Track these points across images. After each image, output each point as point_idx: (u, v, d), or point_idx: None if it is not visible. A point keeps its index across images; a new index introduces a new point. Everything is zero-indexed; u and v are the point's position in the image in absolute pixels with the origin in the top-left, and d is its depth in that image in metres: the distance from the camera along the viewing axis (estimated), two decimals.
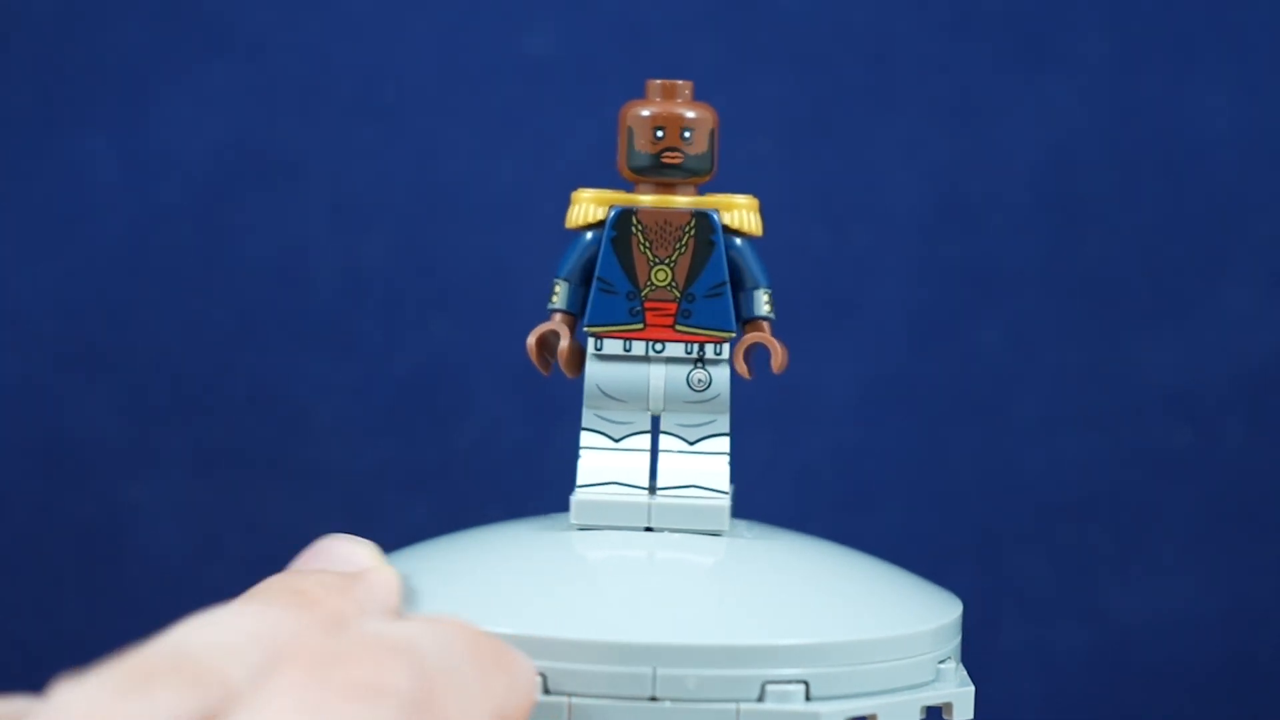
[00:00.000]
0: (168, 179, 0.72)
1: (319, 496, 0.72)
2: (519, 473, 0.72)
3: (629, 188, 0.43)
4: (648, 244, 0.42)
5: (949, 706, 0.40)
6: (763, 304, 0.43)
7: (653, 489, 0.42)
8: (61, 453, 0.72)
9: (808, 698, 0.38)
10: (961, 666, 0.41)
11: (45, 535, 0.72)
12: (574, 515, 0.42)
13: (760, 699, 0.37)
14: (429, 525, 0.68)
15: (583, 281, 0.43)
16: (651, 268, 0.42)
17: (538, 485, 0.71)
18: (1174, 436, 0.73)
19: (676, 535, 0.42)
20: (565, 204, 0.43)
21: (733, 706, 0.37)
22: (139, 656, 0.30)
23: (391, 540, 0.45)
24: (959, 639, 0.41)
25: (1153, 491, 0.73)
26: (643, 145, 0.42)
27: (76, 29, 0.72)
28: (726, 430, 0.43)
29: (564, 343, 0.43)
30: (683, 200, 0.43)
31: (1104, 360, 0.73)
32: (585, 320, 0.43)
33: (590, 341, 0.43)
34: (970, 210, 0.73)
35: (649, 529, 0.42)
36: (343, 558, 0.38)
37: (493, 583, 0.40)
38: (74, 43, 0.72)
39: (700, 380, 0.43)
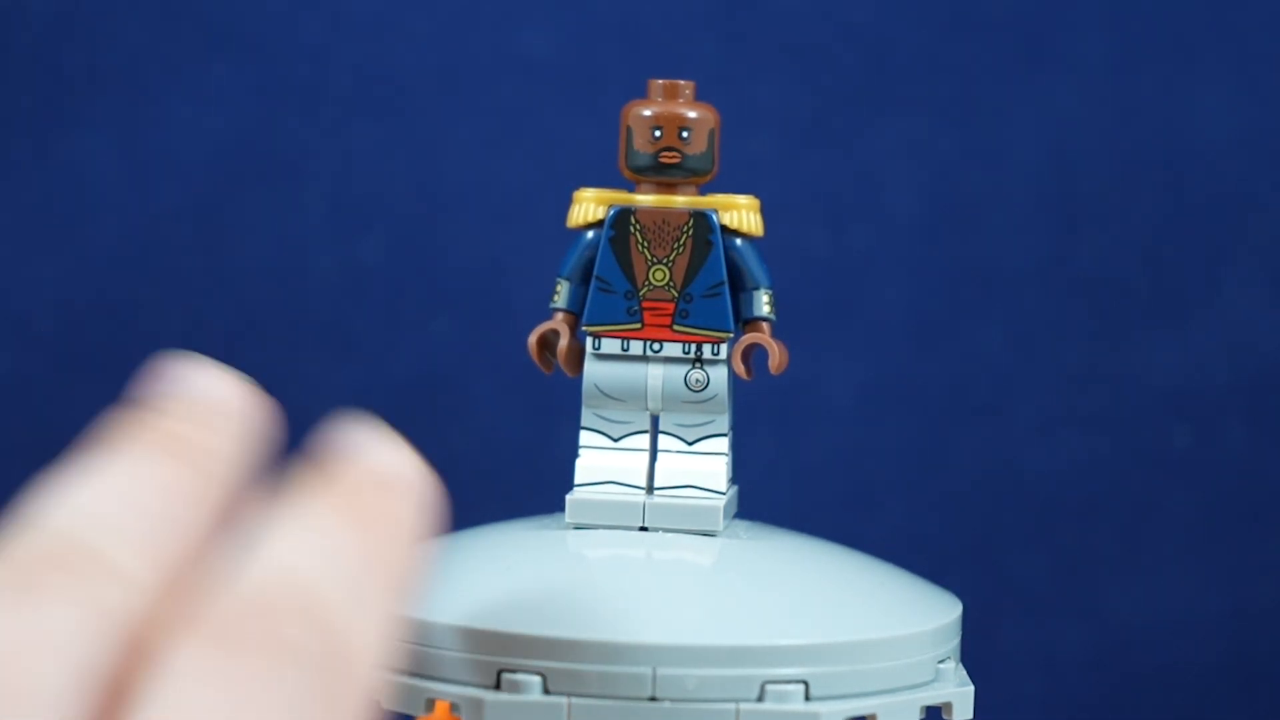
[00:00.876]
0: (168, 179, 0.72)
1: None
2: (519, 473, 0.72)
3: (630, 187, 0.43)
4: (646, 244, 0.42)
5: (948, 706, 0.40)
6: (763, 304, 0.43)
7: (650, 489, 0.42)
8: (61, 453, 0.72)
9: (807, 698, 0.38)
10: (961, 666, 0.41)
11: None
12: (569, 514, 0.42)
13: (760, 699, 0.37)
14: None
15: (583, 281, 0.43)
16: (650, 267, 0.42)
17: (538, 485, 0.71)
18: (1174, 436, 0.73)
19: (677, 535, 0.42)
20: (565, 204, 0.43)
21: (732, 706, 0.37)
22: (16, 548, 0.28)
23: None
24: (959, 639, 0.41)
25: (1153, 491, 0.73)
26: (641, 145, 0.42)
27: (76, 29, 0.72)
28: (725, 430, 0.43)
29: (564, 342, 0.43)
30: (681, 200, 0.43)
31: (1104, 360, 0.73)
32: (583, 320, 0.43)
33: (589, 341, 0.43)
34: (970, 210, 0.73)
35: (643, 528, 0.42)
36: (197, 387, 0.34)
37: (493, 583, 0.40)
38: (74, 43, 0.72)
39: (698, 380, 0.43)
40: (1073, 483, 0.73)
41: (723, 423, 0.43)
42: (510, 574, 0.40)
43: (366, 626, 0.29)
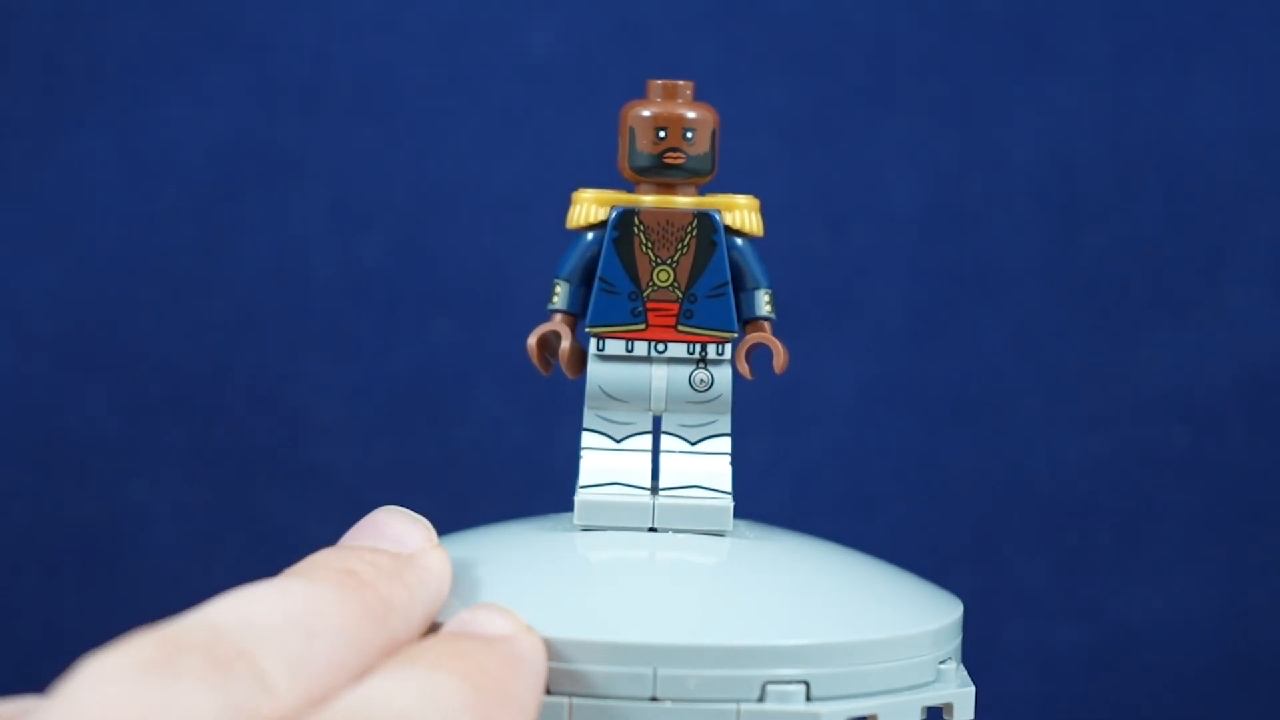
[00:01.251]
0: (168, 179, 0.72)
1: (319, 496, 0.72)
2: (519, 473, 0.72)
3: (629, 188, 0.43)
4: (650, 244, 0.42)
5: (949, 707, 0.40)
6: (764, 304, 0.43)
7: (655, 489, 0.42)
8: (61, 452, 0.72)
9: (808, 698, 0.38)
10: (962, 667, 0.41)
11: (45, 535, 0.72)
12: (578, 516, 0.42)
13: (761, 699, 0.37)
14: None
15: (583, 282, 0.43)
16: (654, 268, 0.42)
17: (538, 485, 0.71)
18: (1174, 436, 0.73)
19: (677, 535, 0.42)
20: (565, 204, 0.43)
21: (733, 707, 0.37)
22: (170, 630, 0.29)
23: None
24: (959, 639, 0.41)
25: (1153, 491, 0.73)
26: (644, 145, 0.42)
27: (76, 29, 0.72)
28: (728, 430, 0.43)
29: (565, 343, 0.43)
30: (684, 200, 0.43)
31: (1104, 360, 0.73)
32: (587, 321, 0.43)
33: (592, 342, 0.43)
34: (970, 210, 0.73)
35: (653, 529, 0.42)
36: (396, 536, 0.36)
37: (493, 583, 0.40)
38: (74, 43, 0.72)
39: (702, 381, 0.43)
40: (1073, 483, 0.73)
41: (725, 423, 0.43)
42: (510, 574, 0.40)
43: None
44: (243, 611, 0.30)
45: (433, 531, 0.37)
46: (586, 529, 0.42)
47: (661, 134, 0.42)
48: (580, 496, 0.42)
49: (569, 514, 0.43)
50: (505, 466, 0.72)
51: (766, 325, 0.43)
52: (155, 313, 0.72)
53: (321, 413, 0.72)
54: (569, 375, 0.43)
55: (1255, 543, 0.73)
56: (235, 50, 0.72)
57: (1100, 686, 0.73)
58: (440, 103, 0.72)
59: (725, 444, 0.43)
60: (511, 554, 0.42)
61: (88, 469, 0.72)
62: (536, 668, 0.35)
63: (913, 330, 0.73)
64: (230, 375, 0.72)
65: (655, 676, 0.37)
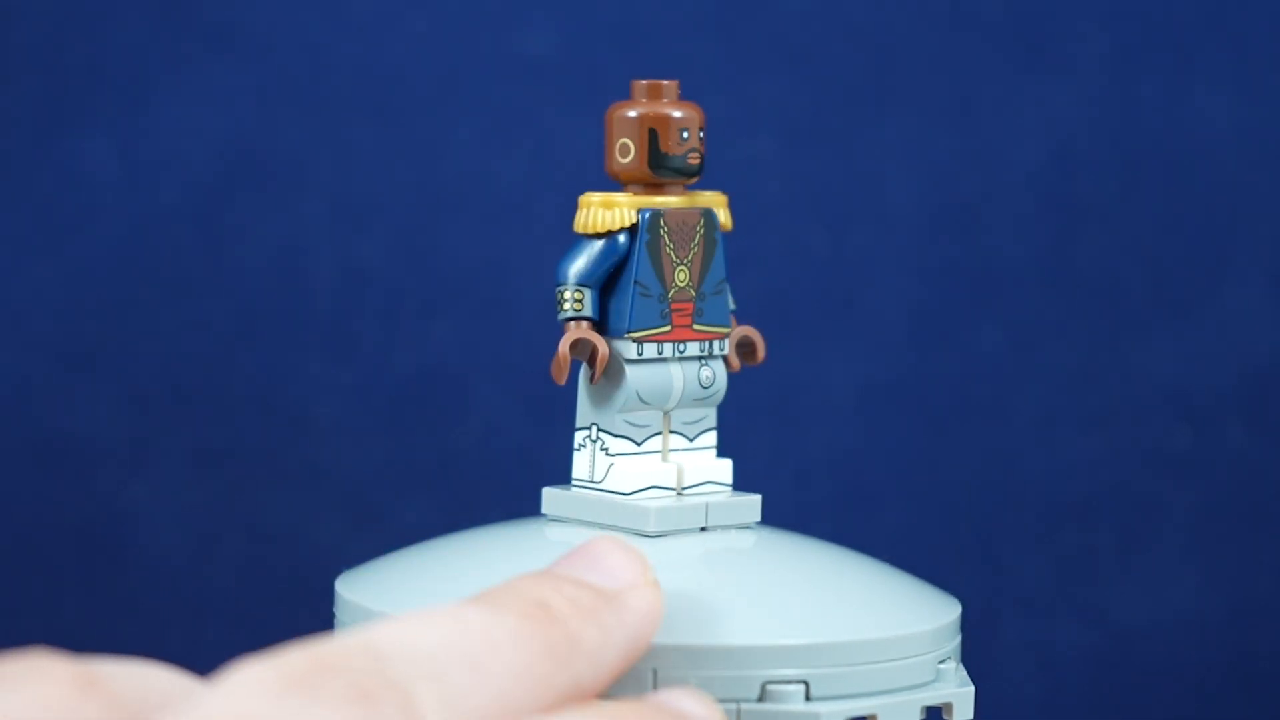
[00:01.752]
0: (168, 179, 0.72)
1: (319, 496, 0.72)
2: (519, 473, 0.72)
3: (617, 189, 0.43)
4: (672, 245, 0.42)
5: (949, 707, 0.40)
6: (730, 298, 0.43)
7: (679, 489, 0.42)
8: (61, 453, 0.72)
9: (808, 698, 0.38)
10: (961, 667, 0.41)
11: (45, 535, 0.72)
12: (654, 524, 0.41)
13: (760, 699, 0.37)
14: (429, 525, 0.68)
15: (599, 287, 0.43)
16: (674, 269, 0.42)
17: (538, 485, 0.71)
18: (1174, 436, 0.73)
19: (677, 536, 0.42)
20: (565, 204, 0.43)
21: (733, 707, 0.37)
22: (325, 649, 0.27)
23: (391, 540, 0.45)
24: (959, 639, 0.41)
25: (1153, 492, 0.73)
26: (670, 147, 0.42)
27: (76, 29, 0.72)
28: (715, 424, 0.43)
29: (604, 350, 0.42)
30: (686, 200, 0.43)
31: (1104, 360, 0.73)
32: (629, 325, 0.42)
33: (630, 347, 0.42)
34: (970, 210, 0.73)
35: (704, 529, 0.42)
36: (606, 569, 0.34)
37: (493, 583, 0.40)
38: (74, 43, 0.72)
39: (708, 377, 0.43)
40: (1073, 483, 0.73)
41: (713, 416, 0.43)
42: (510, 575, 0.40)
43: None
44: (408, 638, 0.28)
45: (649, 567, 0.35)
46: (659, 535, 0.41)
47: (685, 134, 0.42)
48: (647, 504, 0.41)
49: (554, 520, 0.43)
50: (505, 466, 0.72)
51: (734, 318, 0.43)
52: (155, 313, 0.72)
53: (321, 413, 0.72)
54: (592, 383, 0.43)
55: (1255, 543, 0.73)
56: (235, 50, 0.72)
57: (1100, 686, 0.73)
58: (440, 103, 0.72)
59: (714, 437, 0.43)
60: (510, 553, 0.42)
61: (88, 469, 0.72)
62: (642, 632, 0.33)
63: (913, 330, 0.73)
64: (230, 375, 0.72)
65: (655, 676, 0.37)
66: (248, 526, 0.72)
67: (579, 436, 0.43)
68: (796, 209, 0.72)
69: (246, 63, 0.72)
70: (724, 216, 0.43)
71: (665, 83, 0.43)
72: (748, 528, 0.43)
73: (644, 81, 0.43)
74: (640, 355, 0.42)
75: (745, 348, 0.44)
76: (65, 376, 0.72)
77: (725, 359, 0.43)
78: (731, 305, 0.43)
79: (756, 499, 0.43)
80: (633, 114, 0.42)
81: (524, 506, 0.46)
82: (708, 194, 0.43)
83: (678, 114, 0.42)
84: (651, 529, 0.41)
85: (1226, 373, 0.73)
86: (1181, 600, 0.73)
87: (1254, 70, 0.72)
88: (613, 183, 0.43)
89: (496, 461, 0.73)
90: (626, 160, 0.43)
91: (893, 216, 0.73)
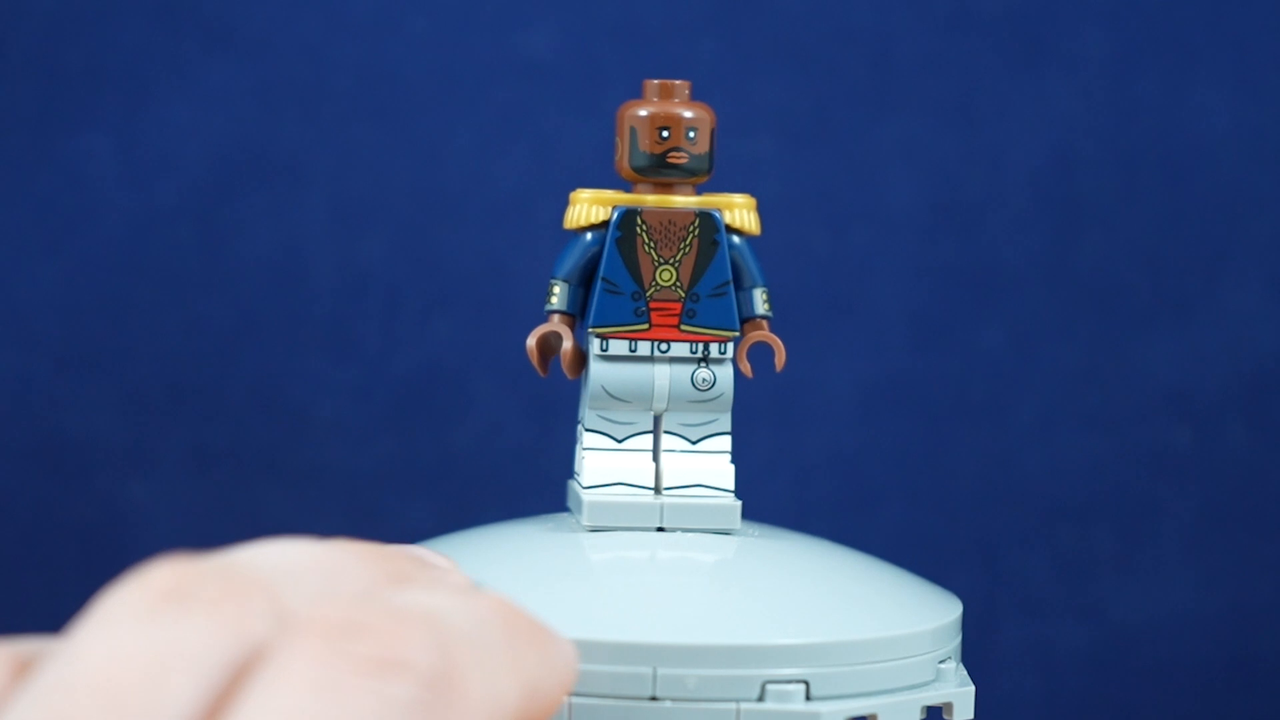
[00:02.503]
0: (168, 179, 0.72)
1: (319, 496, 0.72)
2: (519, 473, 0.72)
3: (627, 187, 0.43)
4: (652, 244, 0.42)
5: (949, 706, 0.40)
6: (761, 302, 0.43)
7: (658, 489, 0.42)
8: (61, 453, 0.72)
9: (808, 697, 0.38)
10: (961, 666, 0.41)
11: (45, 535, 0.72)
12: (587, 517, 0.42)
13: (760, 699, 0.37)
14: (429, 525, 0.68)
15: (581, 282, 0.43)
16: (656, 268, 0.42)
17: (538, 485, 0.71)
18: (1174, 436, 0.73)
19: (676, 535, 0.42)
20: (565, 204, 0.43)
21: (733, 706, 0.37)
22: (193, 564, 0.28)
23: (391, 540, 0.45)
24: (959, 639, 0.41)
25: (1153, 491, 0.73)
26: (646, 145, 0.42)
27: (76, 29, 0.72)
28: (728, 429, 0.43)
29: (568, 344, 0.42)
30: (686, 200, 0.43)
31: (1104, 360, 0.73)
32: (590, 321, 0.43)
33: (595, 343, 0.43)
34: (970, 210, 0.73)
35: (661, 529, 0.42)
36: (418, 554, 0.35)
37: (492, 583, 0.40)
38: (74, 43, 0.72)
39: (705, 380, 0.43)
40: (1073, 483, 0.73)
41: (725, 421, 0.43)
42: (511, 574, 0.40)
43: (488, 677, 0.28)
44: (267, 553, 0.30)
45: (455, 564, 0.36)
46: (595, 529, 0.42)
47: (664, 134, 0.42)
48: (588, 497, 0.42)
49: (566, 514, 0.43)
50: (505, 466, 0.72)
51: (764, 323, 0.43)
52: (155, 313, 0.72)
53: (321, 413, 0.72)
54: (568, 376, 0.43)
55: (1255, 543, 0.73)
56: (235, 50, 0.72)
57: (1100, 686, 0.73)
58: (440, 103, 0.72)
59: (726, 442, 0.43)
60: (509, 553, 0.42)
61: (88, 469, 0.72)
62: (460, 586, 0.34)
63: (913, 330, 0.73)
64: (230, 375, 0.72)
65: (655, 676, 0.37)
66: (248, 526, 0.72)
67: (577, 429, 0.43)
68: (796, 209, 0.72)
69: (246, 63, 0.72)
70: (743, 219, 0.43)
71: (672, 83, 0.43)
72: (726, 532, 0.42)
73: (654, 81, 0.43)
74: (605, 351, 0.42)
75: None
76: (65, 376, 0.72)
77: (736, 363, 0.43)
78: (760, 310, 0.43)
79: (734, 504, 0.42)
80: (622, 113, 0.43)
81: (524, 506, 0.46)
82: (722, 196, 0.43)
83: (649, 113, 0.42)
84: (584, 521, 0.42)
85: (1226, 373, 0.73)
86: (1181, 600, 0.73)
87: (1254, 70, 0.72)
88: (624, 181, 0.43)
89: (496, 461, 0.72)
90: (618, 158, 0.43)
91: (893, 216, 0.73)
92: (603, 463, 0.42)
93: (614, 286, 0.42)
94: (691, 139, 0.42)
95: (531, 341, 0.43)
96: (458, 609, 0.29)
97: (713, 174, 0.43)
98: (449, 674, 0.28)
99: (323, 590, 0.29)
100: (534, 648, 0.31)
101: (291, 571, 0.29)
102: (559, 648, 0.32)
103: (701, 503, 0.42)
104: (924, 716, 0.39)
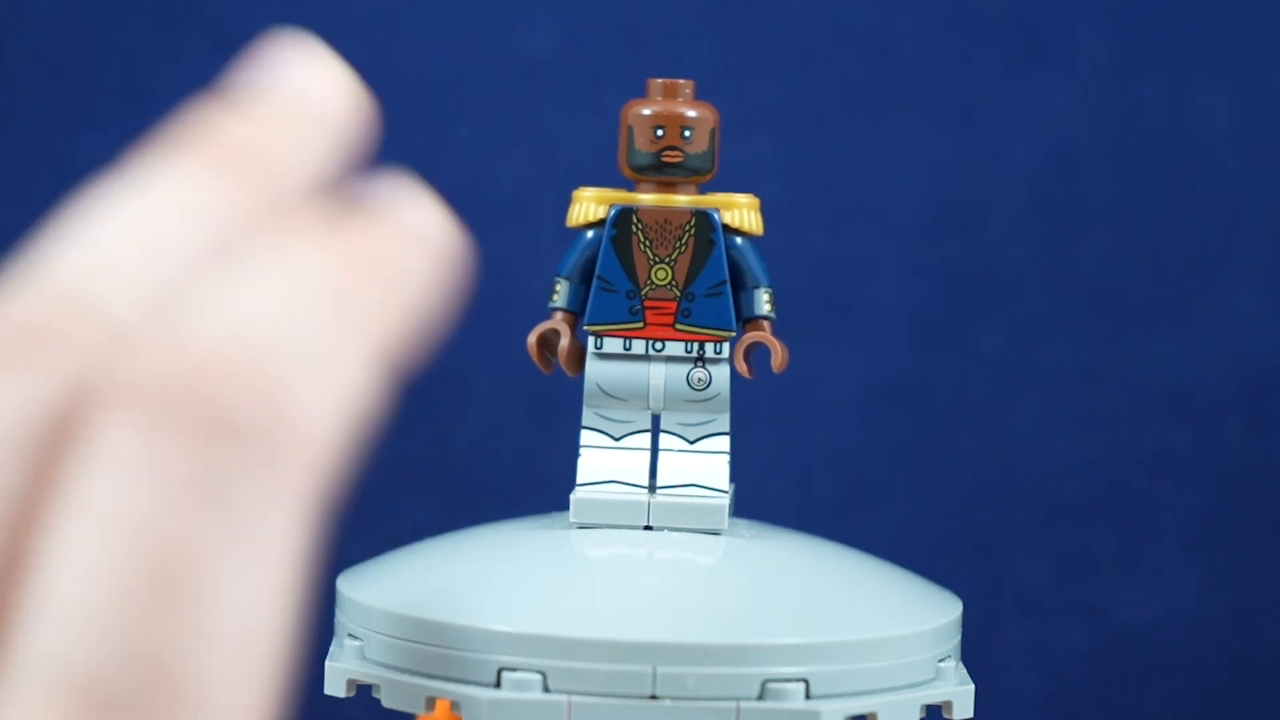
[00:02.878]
0: None
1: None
2: (519, 473, 0.72)
3: (630, 187, 0.43)
4: (648, 243, 0.42)
5: (949, 705, 0.40)
6: (763, 303, 0.43)
7: (653, 488, 0.42)
8: None
9: (808, 696, 0.38)
10: (961, 665, 0.41)
11: None
12: (573, 513, 0.42)
13: (760, 697, 0.37)
14: (429, 525, 0.68)
15: (583, 280, 0.43)
16: (651, 266, 0.42)
17: (538, 485, 0.71)
18: (1174, 436, 0.73)
19: (677, 534, 0.42)
20: (566, 204, 0.43)
21: (733, 705, 0.37)
22: (9, 301, 0.25)
23: (391, 540, 0.45)
24: (959, 638, 0.41)
25: (1153, 491, 0.73)
26: (643, 144, 0.42)
27: (76, 29, 0.72)
28: (727, 429, 0.43)
29: (564, 341, 0.42)
30: (683, 199, 0.43)
31: (1104, 360, 0.73)
32: (585, 319, 0.43)
33: (590, 340, 0.43)
34: (970, 210, 0.73)
35: (648, 527, 0.42)
36: (296, 85, 0.29)
37: (493, 582, 0.40)
38: (74, 43, 0.72)
39: (700, 379, 0.43)
40: (1073, 483, 0.73)
41: (724, 421, 0.43)
42: (511, 573, 0.40)
43: (323, 399, 0.26)
44: (93, 252, 0.26)
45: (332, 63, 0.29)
46: (583, 526, 0.42)
47: (659, 132, 0.42)
48: (576, 494, 0.42)
49: (567, 513, 0.43)
50: (505, 466, 0.72)
51: (766, 324, 0.43)
52: None
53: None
54: (569, 373, 0.43)
55: (1255, 543, 0.73)
56: (235, 50, 0.72)
57: (1100, 686, 0.73)
58: (440, 103, 0.72)
59: (724, 443, 0.43)
60: (510, 552, 0.42)
61: None
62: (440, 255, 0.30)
63: (913, 331, 0.73)
64: None
65: (655, 674, 0.37)
66: None
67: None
68: (797, 209, 0.72)
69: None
70: (745, 220, 0.43)
71: (675, 82, 0.43)
72: (714, 532, 0.42)
73: (658, 80, 0.43)
74: (599, 349, 0.42)
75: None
76: None
77: (734, 364, 0.43)
78: (762, 310, 0.43)
79: (721, 504, 0.42)
80: (624, 112, 0.43)
81: (524, 506, 0.46)
82: (724, 196, 0.43)
83: (649, 112, 0.42)
84: (571, 518, 0.42)
85: (1226, 373, 0.73)
86: (1181, 600, 0.73)
87: (1254, 70, 0.72)
88: (627, 180, 0.43)
89: (496, 461, 0.72)
90: (620, 157, 0.43)
91: (893, 216, 0.73)
92: (598, 460, 0.42)
93: (609, 285, 0.42)
94: (687, 138, 0.42)
95: (532, 338, 0.43)
96: (276, 309, 0.26)
97: (715, 173, 0.43)
98: (276, 412, 0.26)
99: (145, 291, 0.26)
100: (380, 290, 0.27)
101: (125, 272, 0.26)
102: (411, 255, 0.28)
103: (689, 502, 0.42)
104: (924, 715, 0.39)
